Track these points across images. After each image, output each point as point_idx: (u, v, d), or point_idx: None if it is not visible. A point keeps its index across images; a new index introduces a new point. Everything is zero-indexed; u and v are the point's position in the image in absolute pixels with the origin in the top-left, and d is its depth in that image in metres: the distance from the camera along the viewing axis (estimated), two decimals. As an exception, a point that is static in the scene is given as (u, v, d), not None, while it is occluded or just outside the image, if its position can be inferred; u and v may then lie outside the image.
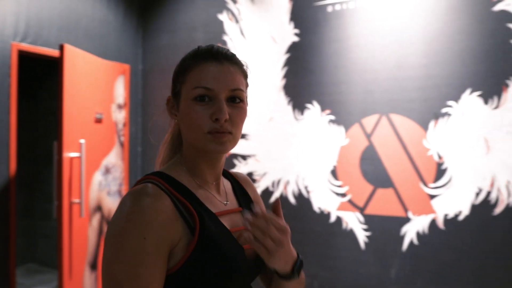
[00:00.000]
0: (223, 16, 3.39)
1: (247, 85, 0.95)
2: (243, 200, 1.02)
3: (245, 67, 0.95)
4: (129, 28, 3.77)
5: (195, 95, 0.87)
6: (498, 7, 2.52)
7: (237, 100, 0.90)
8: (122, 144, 3.64)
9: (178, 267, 0.83)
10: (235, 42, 3.34)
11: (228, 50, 0.93)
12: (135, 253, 0.78)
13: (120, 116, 3.62)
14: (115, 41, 3.65)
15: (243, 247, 0.91)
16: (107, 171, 3.45)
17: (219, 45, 0.95)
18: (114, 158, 3.54)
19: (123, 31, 3.72)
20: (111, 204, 3.46)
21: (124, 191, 3.61)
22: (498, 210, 2.53)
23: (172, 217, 0.83)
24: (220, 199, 0.97)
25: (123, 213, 0.81)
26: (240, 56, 0.96)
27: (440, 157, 2.67)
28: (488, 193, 2.55)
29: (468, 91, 2.59)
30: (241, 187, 1.06)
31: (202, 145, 0.88)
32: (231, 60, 0.91)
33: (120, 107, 3.62)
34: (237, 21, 3.34)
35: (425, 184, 2.70)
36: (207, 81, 0.87)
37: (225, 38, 3.38)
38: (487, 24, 2.54)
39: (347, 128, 2.92)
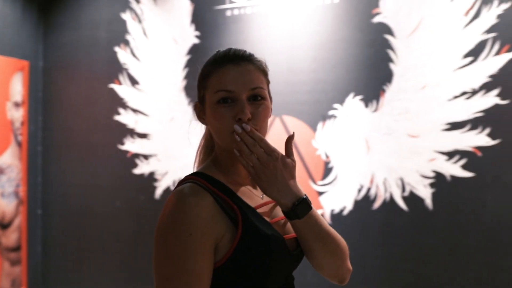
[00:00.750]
0: (126, 16, 3.38)
1: (267, 82, 1.00)
2: None
3: (263, 65, 0.99)
4: (28, 23, 3.63)
5: (218, 98, 0.92)
6: (376, 19, 2.75)
7: (258, 98, 0.94)
8: (19, 144, 3.50)
9: (224, 261, 0.87)
10: (137, 42, 3.34)
11: (244, 51, 0.97)
12: (183, 249, 0.82)
13: (17, 115, 3.48)
14: (12, 36, 3.50)
15: (284, 237, 0.95)
16: (1, 171, 3.31)
17: (236, 47, 1.00)
18: (10, 158, 3.39)
19: (21, 26, 3.57)
20: (5, 205, 3.31)
21: (22, 192, 3.47)
22: (376, 205, 2.76)
23: (214, 213, 0.87)
24: (256, 193, 1.01)
25: (168, 213, 0.86)
26: (257, 55, 1.00)
27: (327, 156, 2.86)
28: (368, 189, 2.78)
29: (351, 95, 2.79)
30: None
31: (228, 145, 0.93)
32: (248, 60, 0.96)
33: (17, 105, 3.48)
34: (140, 21, 3.34)
35: (314, 182, 2.88)
36: (227, 84, 0.92)
37: (128, 37, 3.37)
38: (367, 34, 2.77)
39: (244, 128, 3.03)
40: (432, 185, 2.66)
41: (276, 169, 0.90)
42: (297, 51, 2.90)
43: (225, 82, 0.92)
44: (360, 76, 2.78)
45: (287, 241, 0.96)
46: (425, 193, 2.67)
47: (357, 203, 2.80)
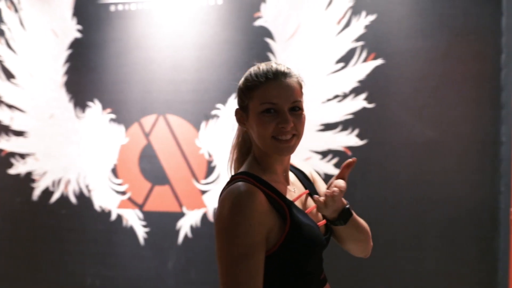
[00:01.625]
0: (1, 4, 3.14)
1: (302, 94, 1.13)
2: (305, 183, 1.22)
3: (301, 79, 1.13)
4: None
5: (263, 109, 1.06)
6: (258, 23, 2.83)
7: (296, 109, 1.09)
8: None
9: (273, 250, 1.02)
10: (13, 33, 3.13)
11: (284, 66, 1.12)
12: (246, 237, 0.96)
13: None
14: None
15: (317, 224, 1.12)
16: None
17: (276, 63, 1.14)
18: None
19: None
20: None
21: None
22: (257, 202, 2.85)
23: (267, 208, 1.02)
24: (289, 188, 1.15)
25: (229, 207, 0.98)
26: (293, 68, 1.14)
27: (210, 156, 2.89)
28: (250, 188, 2.85)
29: (233, 95, 2.86)
30: (300, 171, 1.26)
31: (269, 149, 1.08)
32: (289, 76, 1.09)
33: None
34: (16, 11, 3.13)
35: (197, 181, 2.90)
36: (272, 98, 1.06)
37: (3, 27, 3.14)
38: (249, 37, 2.84)
39: (127, 127, 2.97)
40: (308, 183, 2.80)
41: (340, 199, 1.11)
42: (181, 50, 2.90)
43: (270, 96, 1.06)
44: (241, 77, 2.84)
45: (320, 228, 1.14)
46: (302, 190, 2.80)
47: (239, 201, 2.86)
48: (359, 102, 2.74)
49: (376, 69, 2.73)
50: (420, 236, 2.70)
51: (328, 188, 1.12)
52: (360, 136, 2.74)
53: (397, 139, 2.74)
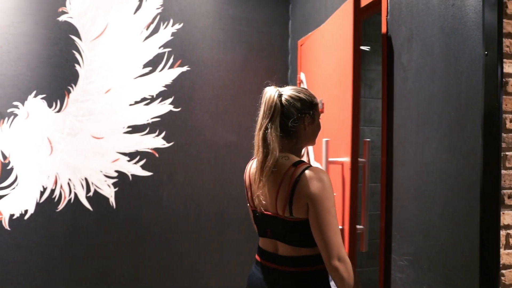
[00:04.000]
0: None
1: None
2: None
3: None
4: None
5: (319, 118, 1.55)
6: (62, 18, 2.72)
7: None
8: None
9: None
10: None
11: None
12: (334, 202, 1.39)
13: None
14: None
15: None
16: None
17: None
18: None
19: None
20: None
21: None
22: (61, 206, 2.74)
23: None
24: None
25: (327, 183, 1.37)
26: None
27: (5, 157, 2.67)
28: (52, 191, 2.73)
29: (33, 93, 2.69)
30: None
31: (314, 142, 1.54)
32: None
33: None
34: None
35: (-11, 185, 2.65)
36: None
37: None
38: (52, 32, 2.71)
39: None
40: (115, 184, 2.81)
41: None
42: (-31, 40, 2.59)
43: None
44: (43, 74, 2.70)
45: None
46: (109, 192, 2.81)
47: (39, 206, 2.71)
48: (166, 106, 2.87)
49: (182, 75, 2.89)
50: (222, 229, 2.97)
51: None
52: (166, 138, 2.87)
53: (201, 141, 2.96)
